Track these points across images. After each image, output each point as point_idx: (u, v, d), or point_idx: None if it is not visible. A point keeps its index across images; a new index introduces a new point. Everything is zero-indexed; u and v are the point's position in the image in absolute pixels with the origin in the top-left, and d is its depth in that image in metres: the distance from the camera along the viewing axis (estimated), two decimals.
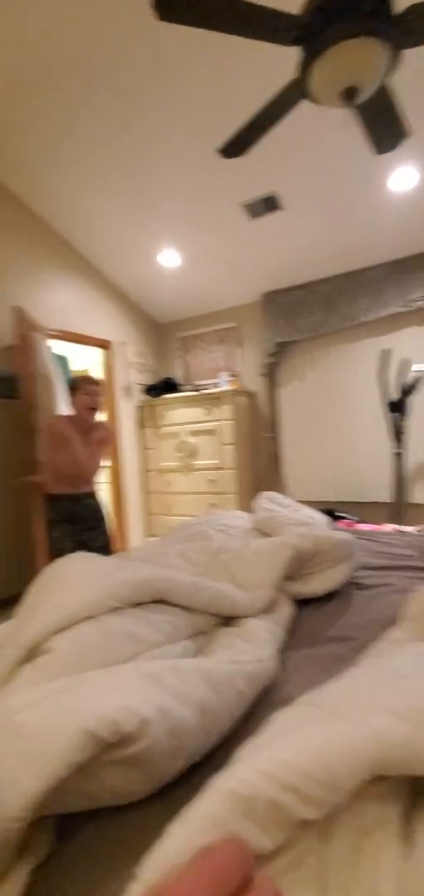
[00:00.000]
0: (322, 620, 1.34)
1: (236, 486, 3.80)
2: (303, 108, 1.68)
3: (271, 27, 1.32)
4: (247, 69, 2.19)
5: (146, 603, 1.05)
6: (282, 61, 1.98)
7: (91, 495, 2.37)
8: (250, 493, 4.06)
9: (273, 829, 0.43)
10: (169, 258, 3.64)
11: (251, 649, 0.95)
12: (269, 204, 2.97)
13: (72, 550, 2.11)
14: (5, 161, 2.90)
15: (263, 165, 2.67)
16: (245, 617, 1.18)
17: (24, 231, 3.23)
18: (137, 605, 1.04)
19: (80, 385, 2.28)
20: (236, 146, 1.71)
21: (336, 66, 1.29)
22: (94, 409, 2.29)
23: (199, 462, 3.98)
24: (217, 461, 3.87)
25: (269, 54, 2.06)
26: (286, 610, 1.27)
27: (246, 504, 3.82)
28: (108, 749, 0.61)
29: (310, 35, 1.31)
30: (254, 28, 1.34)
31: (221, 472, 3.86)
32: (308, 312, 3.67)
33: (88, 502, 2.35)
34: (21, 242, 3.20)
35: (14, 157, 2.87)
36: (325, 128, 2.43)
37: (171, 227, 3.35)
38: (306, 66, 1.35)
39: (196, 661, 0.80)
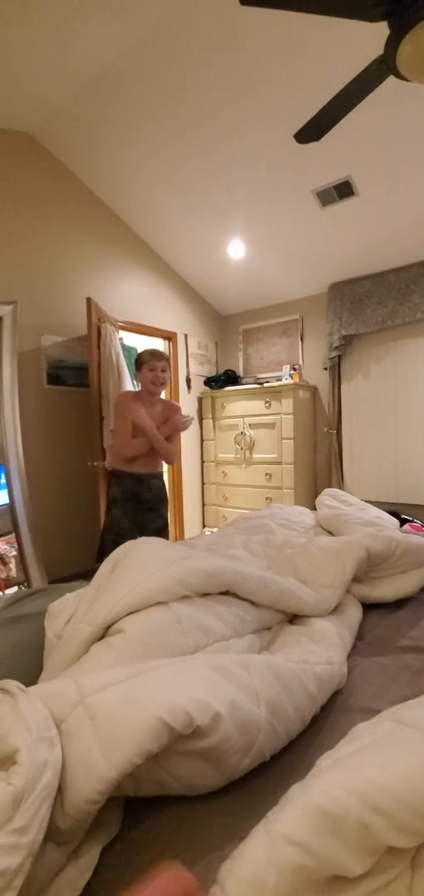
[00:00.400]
0: (392, 628, 1.27)
1: (293, 481, 3.73)
2: (381, 89, 1.58)
3: (358, 1, 1.25)
4: (323, 54, 2.10)
5: (214, 594, 1.06)
6: (358, 43, 1.88)
7: (157, 476, 2.35)
8: (308, 489, 3.97)
9: (361, 852, 0.41)
10: (235, 249, 3.61)
11: (320, 651, 0.92)
12: (342, 190, 2.84)
13: (129, 529, 2.20)
14: (82, 157, 3.04)
15: (337, 150, 2.56)
16: (311, 616, 1.15)
17: (97, 225, 3.37)
18: (206, 595, 1.05)
19: (145, 360, 2.24)
20: (315, 129, 1.65)
21: None
22: (160, 385, 2.25)
23: (257, 455, 3.95)
24: (275, 455, 3.82)
25: (345, 37, 1.97)
26: (355, 613, 1.23)
27: (303, 500, 3.74)
28: (180, 740, 0.62)
29: (400, 8, 1.22)
30: (340, 4, 1.27)
31: (278, 466, 3.80)
32: (377, 304, 3.47)
33: (153, 483, 2.33)
34: (95, 236, 3.35)
35: (90, 154, 3.00)
36: (403, 108, 2.27)
37: (239, 218, 3.32)
38: (394, 41, 1.26)
39: (265, 658, 0.79)
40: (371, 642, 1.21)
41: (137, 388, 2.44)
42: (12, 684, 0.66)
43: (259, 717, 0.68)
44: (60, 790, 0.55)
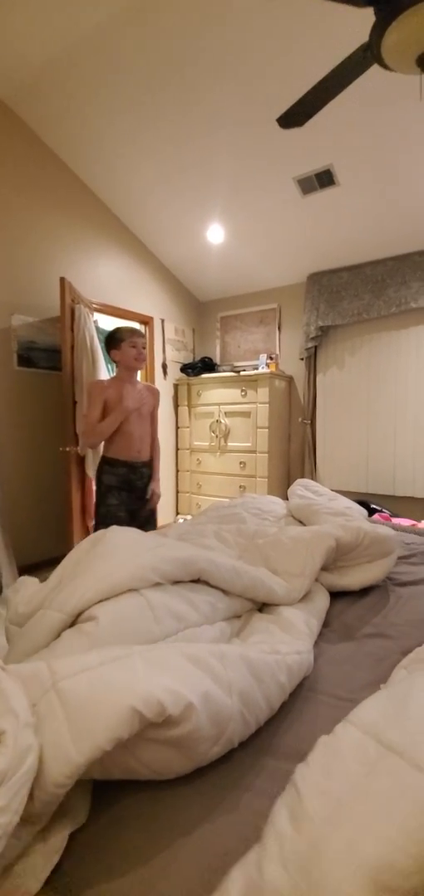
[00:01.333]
0: (357, 615, 1.32)
1: (267, 470, 3.77)
2: (365, 77, 1.58)
3: None
4: (307, 39, 2.08)
5: (186, 582, 1.07)
6: (344, 29, 1.87)
7: (147, 465, 2.32)
8: (282, 478, 4.03)
9: None
10: (215, 234, 3.58)
11: (290, 640, 0.95)
12: (323, 179, 2.84)
13: (126, 519, 2.17)
14: (60, 131, 2.92)
15: (320, 138, 2.56)
16: (280, 605, 1.17)
17: (74, 202, 3.25)
18: (177, 583, 1.05)
19: (126, 337, 2.18)
20: (298, 115, 1.64)
21: (415, 28, 1.19)
22: (142, 361, 2.22)
23: (232, 443, 3.97)
24: (250, 444, 3.85)
25: (330, 22, 1.95)
26: (322, 601, 1.26)
27: (276, 489, 3.80)
28: (151, 728, 0.62)
29: None
30: None
31: (253, 455, 3.84)
32: (353, 296, 3.53)
33: (144, 471, 2.30)
34: (71, 213, 3.24)
35: (68, 128, 2.89)
36: (387, 98, 2.29)
37: (219, 203, 3.27)
38: (380, 28, 1.26)
39: (240, 649, 0.80)
40: (336, 629, 1.24)
41: (112, 374, 2.38)
42: None
43: (231, 707, 0.70)
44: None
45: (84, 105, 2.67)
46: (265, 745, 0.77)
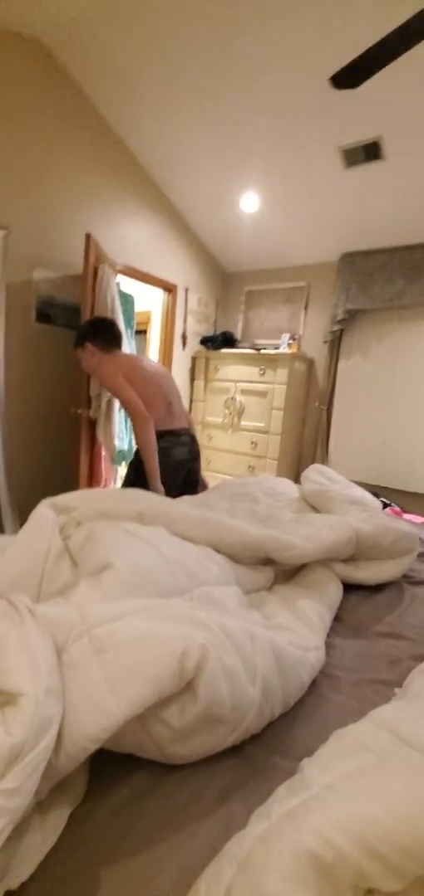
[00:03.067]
0: (371, 612, 1.28)
1: (278, 452, 3.71)
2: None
3: None
4: None
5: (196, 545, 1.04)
6: None
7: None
8: (292, 462, 3.96)
9: (349, 894, 0.39)
10: (249, 202, 3.41)
11: (310, 634, 0.91)
12: (370, 151, 2.67)
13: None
14: (95, 77, 2.78)
15: (370, 106, 2.39)
16: (301, 559, 1.13)
17: (104, 154, 3.11)
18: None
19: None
20: (354, 74, 1.51)
21: None
22: None
23: (245, 422, 3.90)
24: (263, 424, 3.78)
25: None
26: (336, 592, 1.22)
27: (286, 472, 3.74)
28: (177, 702, 0.58)
29: None
30: None
31: (265, 435, 3.77)
32: (386, 280, 3.37)
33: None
34: (100, 166, 3.10)
35: (103, 75, 2.74)
36: None
37: (256, 167, 3.10)
38: None
39: (270, 635, 0.76)
40: (348, 624, 1.21)
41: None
42: (22, 601, 0.58)
43: (252, 696, 0.66)
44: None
45: (119, 52, 2.53)
46: (275, 742, 0.74)
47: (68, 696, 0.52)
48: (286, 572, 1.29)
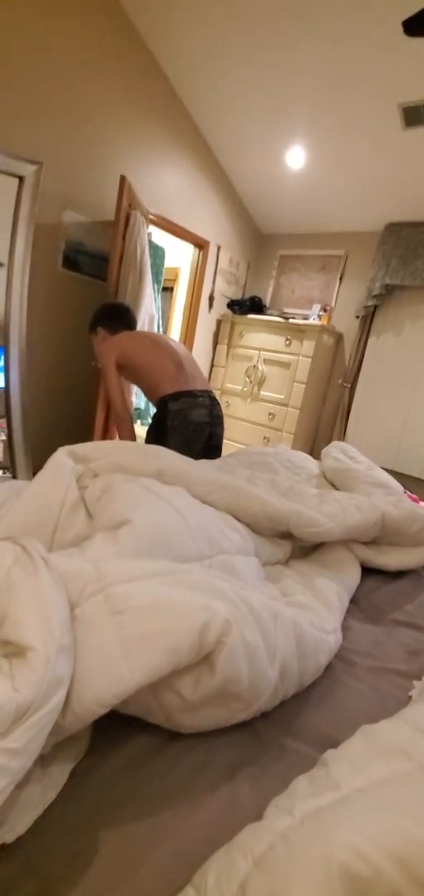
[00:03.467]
0: (389, 598, 1.23)
1: (295, 426, 3.63)
2: None
3: None
4: None
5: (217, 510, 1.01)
6: None
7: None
8: (308, 438, 3.88)
9: None
10: (295, 157, 3.20)
11: (330, 616, 0.87)
12: None
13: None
14: (146, 13, 2.60)
15: None
16: (314, 533, 1.10)
17: (145, 87, 2.93)
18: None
19: None
20: None
21: None
22: None
23: (264, 392, 3.81)
24: (283, 396, 3.68)
25: None
26: (355, 574, 1.18)
27: (301, 447, 3.65)
28: (195, 673, 0.55)
29: None
30: None
31: (284, 408, 3.68)
32: None
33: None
34: (140, 100, 2.92)
35: (156, 13, 2.57)
36: None
37: (306, 120, 2.88)
38: None
39: (293, 615, 0.73)
40: (364, 609, 1.17)
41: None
42: (35, 548, 0.55)
43: (270, 677, 0.62)
44: None
45: None
46: (285, 722, 0.71)
47: (79, 655, 0.50)
48: (302, 548, 1.25)
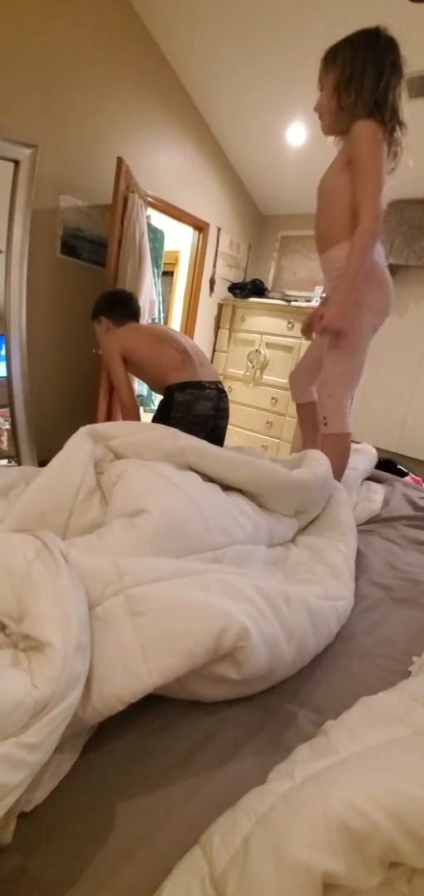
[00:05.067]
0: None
1: None
2: None
3: None
4: None
5: (231, 493, 1.02)
6: None
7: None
8: None
9: (381, 868, 0.36)
10: (296, 134, 3.13)
11: (335, 582, 0.89)
12: None
13: None
14: None
15: None
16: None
17: (142, 65, 2.85)
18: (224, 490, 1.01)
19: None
20: None
21: None
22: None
23: (267, 377, 3.80)
24: (285, 380, 3.66)
25: None
26: (353, 538, 1.19)
27: None
28: (217, 665, 0.58)
29: None
30: None
31: (286, 392, 3.66)
32: None
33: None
34: (137, 79, 2.85)
35: None
36: None
37: (306, 94, 2.80)
38: None
39: (302, 592, 0.75)
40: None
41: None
42: (55, 544, 0.56)
43: (288, 653, 0.66)
44: (88, 677, 0.50)
45: None
46: (289, 693, 0.73)
47: (99, 652, 0.51)
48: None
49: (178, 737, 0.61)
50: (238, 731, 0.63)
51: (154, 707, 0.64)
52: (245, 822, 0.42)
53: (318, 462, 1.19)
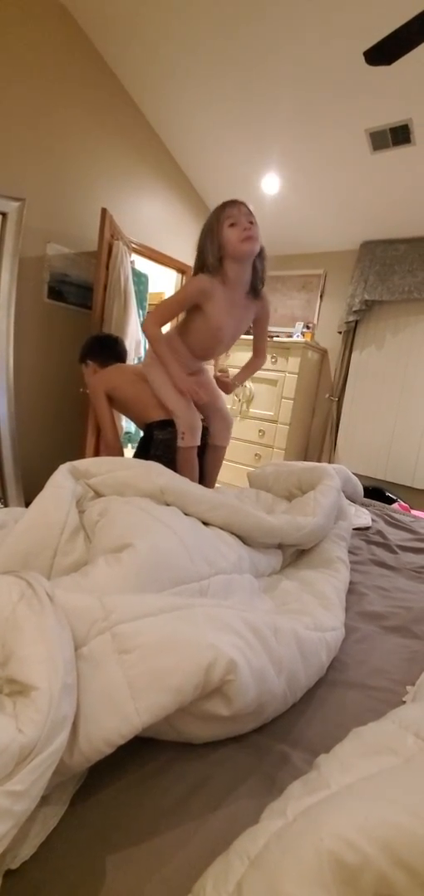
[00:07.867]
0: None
1: (285, 442, 3.67)
2: None
3: None
4: None
5: (212, 528, 1.03)
6: None
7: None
8: (299, 452, 3.92)
9: None
10: (270, 184, 3.33)
11: (326, 613, 0.89)
12: (398, 135, 2.58)
13: None
14: (117, 45, 2.71)
15: (400, 87, 2.30)
16: (303, 535, 1.14)
17: (122, 124, 3.04)
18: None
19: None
20: (387, 51, 1.45)
21: None
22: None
23: (253, 410, 3.86)
24: (272, 413, 3.73)
25: None
26: (344, 571, 1.19)
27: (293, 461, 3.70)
28: (205, 703, 0.57)
29: None
30: None
31: (273, 424, 3.73)
32: (406, 271, 3.29)
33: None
34: (120, 139, 3.04)
35: (123, 41, 2.67)
36: None
37: (279, 148, 3.01)
38: None
39: (291, 624, 0.74)
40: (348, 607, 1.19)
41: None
42: (40, 584, 0.55)
43: (278, 688, 0.64)
44: (74, 720, 0.48)
45: (139, 20, 2.45)
46: (281, 732, 0.72)
47: (85, 693, 0.50)
48: (292, 555, 1.27)
49: (169, 783, 0.59)
50: (231, 774, 0.62)
51: (145, 751, 0.62)
52: (238, 865, 0.41)
53: (313, 511, 1.20)
